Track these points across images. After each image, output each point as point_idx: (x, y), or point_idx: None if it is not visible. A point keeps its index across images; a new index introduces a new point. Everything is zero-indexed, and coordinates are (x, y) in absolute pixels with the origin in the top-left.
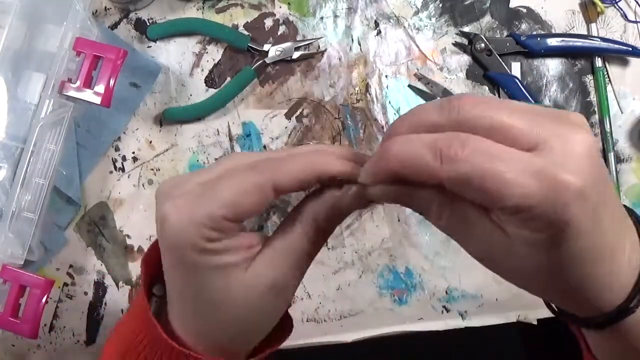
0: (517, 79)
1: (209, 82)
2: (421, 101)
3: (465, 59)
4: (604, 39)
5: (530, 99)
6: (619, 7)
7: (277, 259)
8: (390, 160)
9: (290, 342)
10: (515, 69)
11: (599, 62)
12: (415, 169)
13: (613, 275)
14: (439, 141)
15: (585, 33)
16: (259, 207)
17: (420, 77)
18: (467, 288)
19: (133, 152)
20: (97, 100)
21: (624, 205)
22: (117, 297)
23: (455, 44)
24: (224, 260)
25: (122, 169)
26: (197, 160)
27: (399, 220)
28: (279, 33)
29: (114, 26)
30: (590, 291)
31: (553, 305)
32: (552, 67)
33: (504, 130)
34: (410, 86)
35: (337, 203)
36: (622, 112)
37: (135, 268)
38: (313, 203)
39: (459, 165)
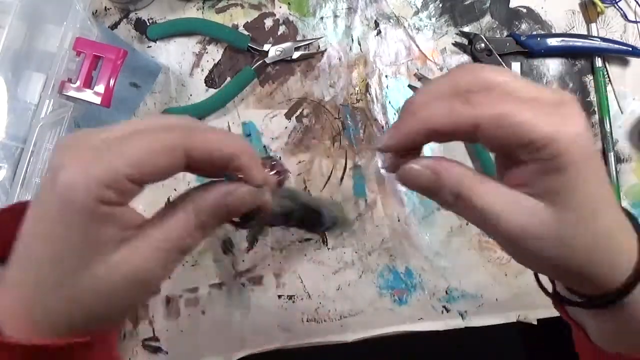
0: None
1: (209, 82)
2: None
3: (465, 59)
4: (604, 39)
5: None
6: (619, 7)
7: (148, 250)
8: (421, 117)
9: (290, 343)
10: (515, 69)
11: (599, 62)
12: (448, 119)
13: (613, 252)
14: (464, 90)
15: (585, 33)
16: (166, 171)
17: (420, 77)
18: (467, 288)
19: None
20: (97, 100)
21: (624, 209)
22: None
23: (455, 44)
24: (105, 233)
25: None
26: None
27: (399, 221)
28: (279, 33)
29: (114, 26)
30: (594, 265)
31: (548, 289)
32: (552, 67)
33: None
34: (410, 86)
35: (229, 199)
36: (622, 112)
37: None
38: (200, 193)
39: (494, 105)
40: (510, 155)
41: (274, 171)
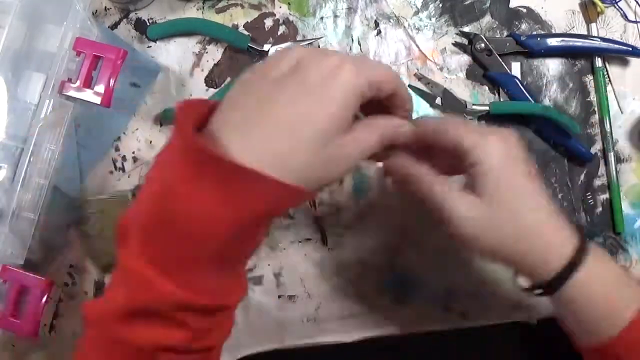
0: (517, 79)
1: (209, 82)
2: (421, 101)
3: (465, 59)
4: (604, 39)
5: (530, 99)
6: (619, 7)
7: (358, 139)
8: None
9: (290, 343)
10: (515, 69)
11: (599, 62)
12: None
13: (538, 247)
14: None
15: (585, 33)
16: (381, 95)
17: (420, 77)
18: (467, 288)
19: (133, 152)
20: (97, 100)
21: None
22: None
23: (455, 44)
24: (350, 118)
25: (122, 169)
26: None
27: (399, 220)
28: (279, 33)
29: (114, 26)
30: (523, 256)
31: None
32: (552, 67)
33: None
34: (410, 86)
35: (400, 129)
36: (622, 112)
37: None
38: (386, 121)
39: (447, 132)
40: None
41: None
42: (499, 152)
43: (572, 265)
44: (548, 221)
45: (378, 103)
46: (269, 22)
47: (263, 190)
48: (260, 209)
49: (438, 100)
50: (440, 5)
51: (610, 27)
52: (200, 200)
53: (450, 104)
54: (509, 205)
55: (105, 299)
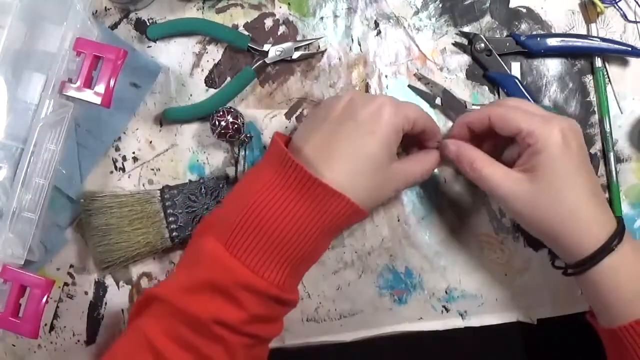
0: (517, 79)
1: (209, 82)
2: (421, 101)
3: (465, 59)
4: (603, 39)
5: (530, 98)
6: (618, 7)
7: (412, 167)
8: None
9: (290, 342)
10: (515, 69)
11: (598, 62)
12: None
13: (578, 228)
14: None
15: (585, 33)
16: (412, 129)
17: (420, 77)
18: (467, 288)
19: (133, 152)
20: (97, 100)
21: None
22: (118, 297)
23: (455, 44)
24: (395, 147)
25: (123, 169)
26: (197, 160)
27: (398, 220)
28: (279, 33)
29: (114, 26)
30: (565, 234)
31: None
32: (552, 67)
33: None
34: (410, 86)
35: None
36: (622, 112)
37: (135, 268)
38: (429, 156)
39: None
40: (511, 140)
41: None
42: (557, 136)
43: (605, 249)
44: (589, 205)
45: (412, 136)
46: (269, 22)
47: (339, 206)
48: (338, 221)
49: (438, 100)
50: (440, 5)
51: (610, 27)
52: (289, 206)
53: (450, 104)
54: (556, 185)
55: (174, 278)
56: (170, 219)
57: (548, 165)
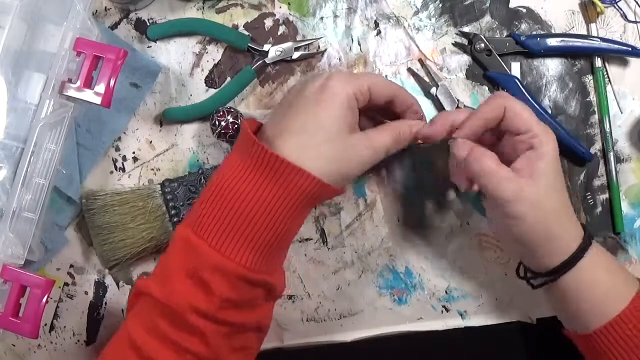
0: (517, 79)
1: (209, 82)
2: (417, 88)
3: (465, 59)
4: (603, 39)
5: (530, 98)
6: (618, 7)
7: (377, 138)
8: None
9: (290, 342)
10: (515, 69)
11: (598, 62)
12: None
13: (570, 228)
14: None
15: (585, 33)
16: (367, 98)
17: (422, 64)
18: (467, 288)
19: (133, 152)
20: (97, 100)
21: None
22: (118, 297)
23: (455, 44)
24: (352, 117)
25: (123, 169)
26: (197, 160)
27: (398, 221)
28: (279, 33)
29: (114, 26)
30: (558, 232)
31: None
32: (552, 67)
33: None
34: (409, 69)
35: (420, 131)
36: (621, 112)
37: (135, 268)
38: (401, 124)
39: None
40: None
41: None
42: (554, 143)
43: (584, 248)
44: (567, 209)
45: (394, 114)
46: (269, 22)
47: (301, 180)
48: (306, 197)
49: (433, 90)
50: (440, 5)
51: (610, 27)
52: (250, 183)
53: (445, 97)
54: (554, 186)
55: (155, 268)
56: (172, 212)
57: (549, 169)
